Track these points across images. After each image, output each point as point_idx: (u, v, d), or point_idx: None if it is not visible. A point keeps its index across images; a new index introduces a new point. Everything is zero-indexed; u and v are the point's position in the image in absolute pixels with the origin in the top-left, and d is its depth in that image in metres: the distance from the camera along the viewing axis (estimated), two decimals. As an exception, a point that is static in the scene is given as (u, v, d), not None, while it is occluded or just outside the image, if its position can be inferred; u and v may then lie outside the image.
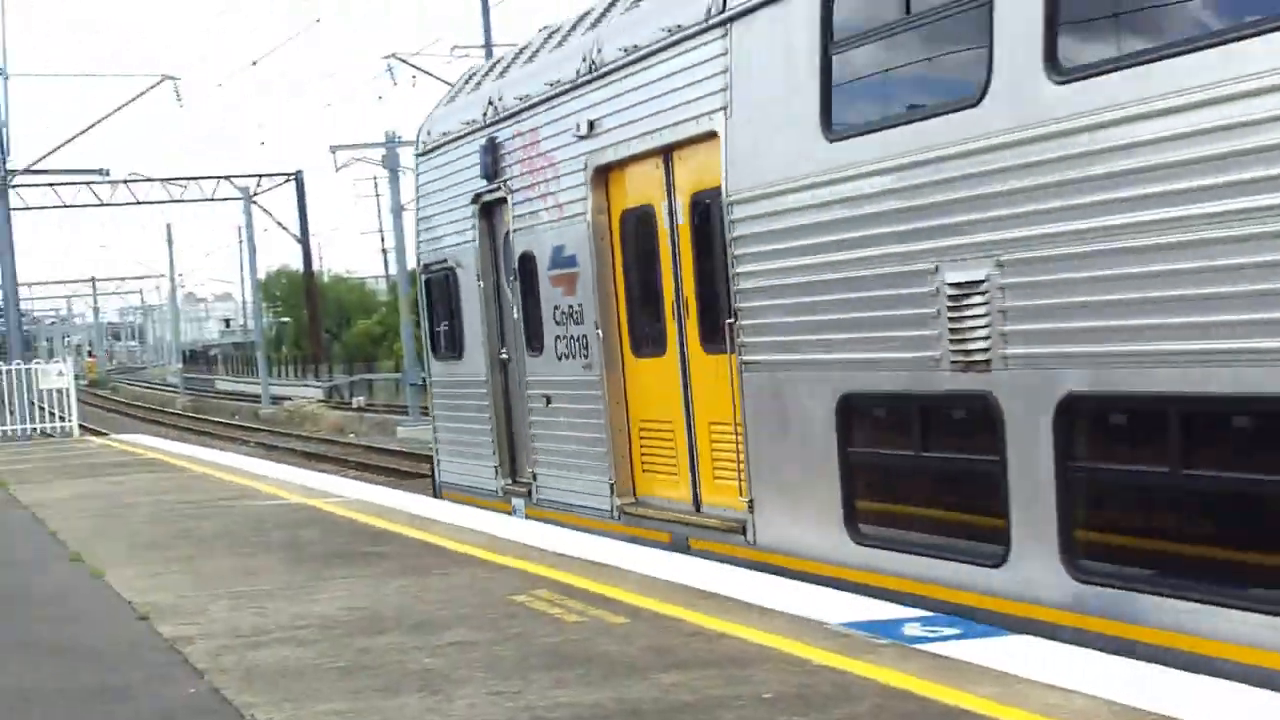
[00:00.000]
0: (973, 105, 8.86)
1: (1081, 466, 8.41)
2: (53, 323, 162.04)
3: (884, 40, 9.88)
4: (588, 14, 14.80)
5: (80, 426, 37.26)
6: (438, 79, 36.59)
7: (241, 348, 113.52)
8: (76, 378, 41.26)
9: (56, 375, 37.16)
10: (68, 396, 36.73)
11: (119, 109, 49.38)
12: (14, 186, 48.37)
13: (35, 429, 36.88)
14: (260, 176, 60.94)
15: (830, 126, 10.27)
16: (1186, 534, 8.11)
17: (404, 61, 41.28)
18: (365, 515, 14.86)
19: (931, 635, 7.93)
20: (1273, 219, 7.04)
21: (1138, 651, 7.67)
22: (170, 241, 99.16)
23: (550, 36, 15.59)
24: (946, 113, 9.17)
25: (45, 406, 38.28)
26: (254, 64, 45.76)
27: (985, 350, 8.87)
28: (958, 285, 9.03)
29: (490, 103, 15.83)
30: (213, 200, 58.93)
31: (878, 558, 10.03)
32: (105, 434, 39.40)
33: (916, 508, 10.02)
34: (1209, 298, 7.44)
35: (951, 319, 9.09)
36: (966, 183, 8.93)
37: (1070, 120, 8.12)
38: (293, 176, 62.77)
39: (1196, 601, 7.67)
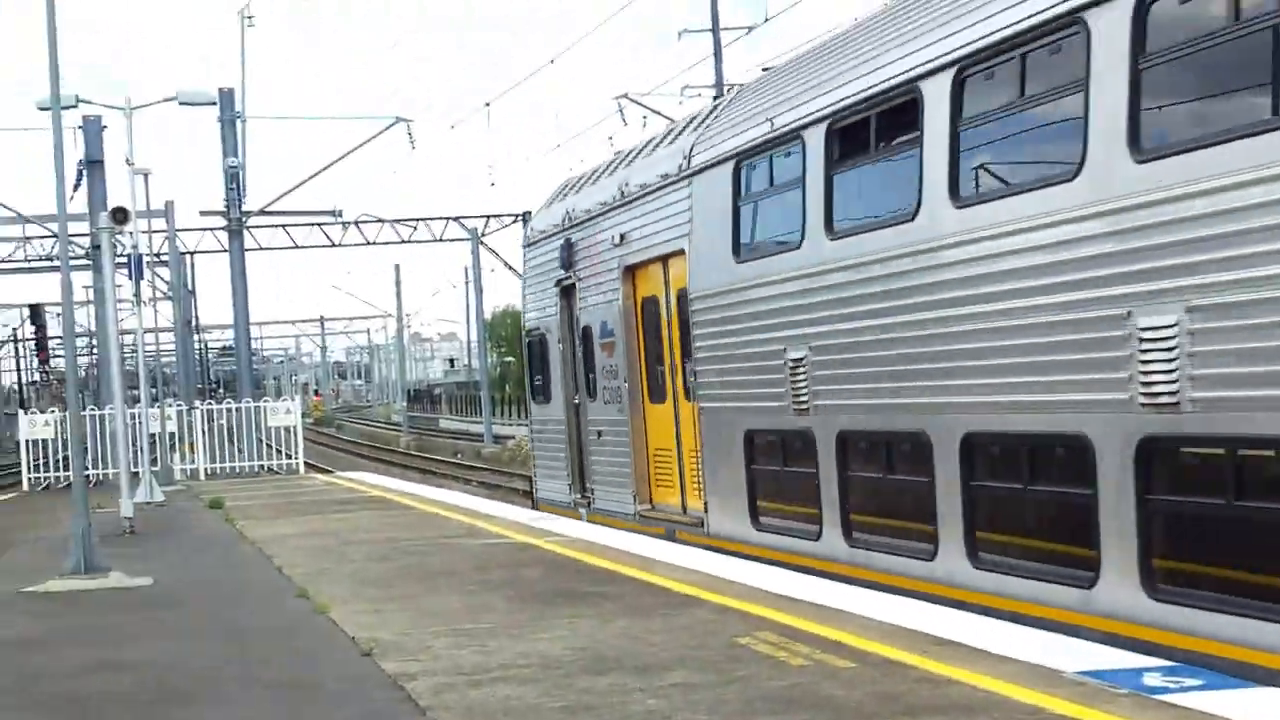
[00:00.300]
0: (795, 248, 14.66)
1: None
2: (281, 361, 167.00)
3: (765, 200, 15.80)
4: (630, 151, 20.71)
5: (306, 464, 38.37)
6: (667, 119, 36.91)
7: (465, 387, 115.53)
8: (303, 416, 42.49)
9: (284, 413, 38.36)
10: (295, 434, 37.87)
11: (352, 151, 50.73)
12: (249, 227, 50.00)
13: (263, 466, 38.10)
14: (489, 217, 62.02)
15: (738, 253, 15.85)
16: None
17: (635, 102, 41.68)
18: (587, 555, 15.07)
19: (1173, 686, 7.77)
20: None
21: None
22: (398, 281, 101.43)
23: (610, 164, 21.20)
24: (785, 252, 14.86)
25: (272, 444, 39.55)
26: (487, 105, 46.89)
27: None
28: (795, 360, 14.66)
29: (567, 213, 21.51)
30: (441, 241, 60.20)
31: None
32: (330, 471, 40.50)
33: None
34: None
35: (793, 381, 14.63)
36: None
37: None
38: (520, 217, 63.92)
39: None
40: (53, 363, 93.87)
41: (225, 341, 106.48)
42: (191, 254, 57.05)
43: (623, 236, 19.03)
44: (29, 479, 36.26)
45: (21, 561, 18.18)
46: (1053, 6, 10.43)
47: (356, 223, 56.52)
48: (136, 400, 32.60)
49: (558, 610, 11.59)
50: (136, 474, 26.81)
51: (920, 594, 11.72)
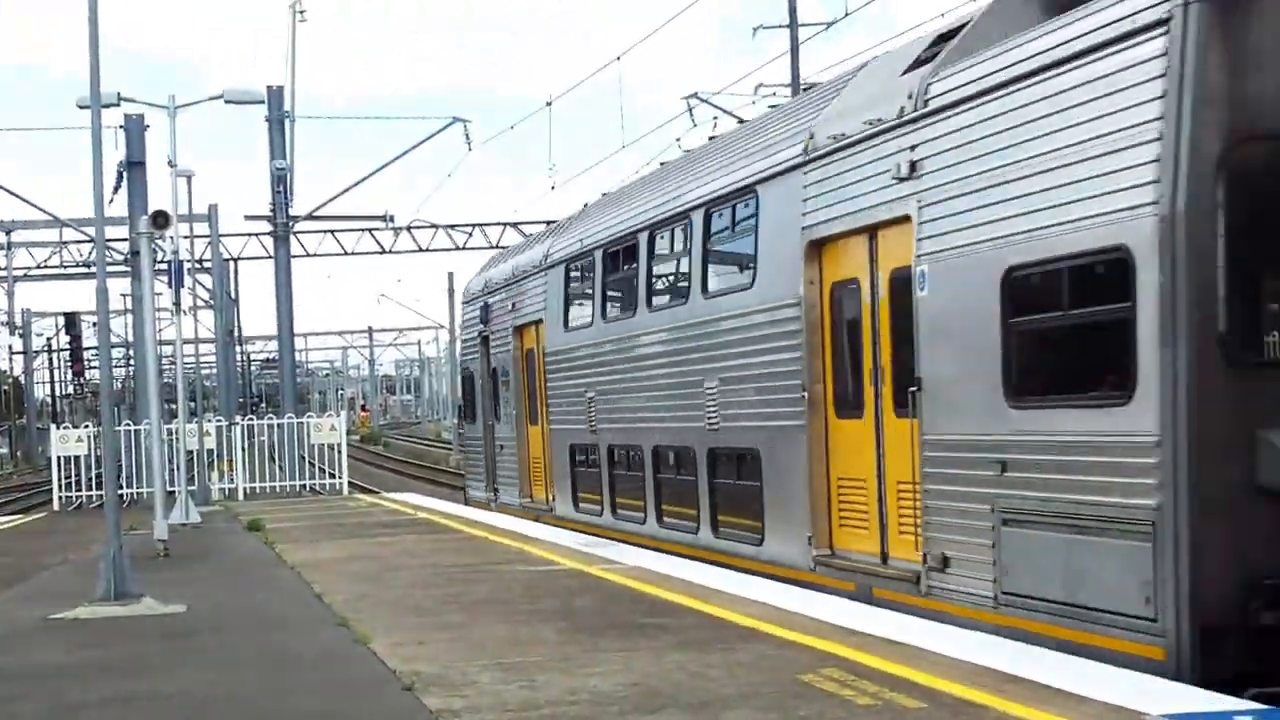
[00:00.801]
0: (589, 326, 23.27)
1: None
2: (326, 375, 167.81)
3: (577, 291, 24.02)
4: (524, 242, 31.56)
5: (350, 484, 38.45)
6: (739, 119, 36.74)
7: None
8: (348, 432, 42.61)
9: (329, 430, 38.42)
10: (339, 452, 37.93)
11: (407, 152, 50.81)
12: (296, 233, 50.22)
13: (305, 486, 38.20)
14: (549, 223, 61.94)
15: (566, 326, 23.99)
16: None
17: (704, 101, 41.51)
18: (643, 584, 15.03)
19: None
20: None
21: None
22: (451, 290, 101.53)
23: (520, 246, 30.37)
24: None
25: (315, 462, 39.65)
26: (548, 104, 46.43)
27: None
28: (589, 398, 22.86)
29: (486, 282, 29.59)
30: (497, 247, 60.28)
31: None
32: (376, 492, 40.59)
33: None
34: None
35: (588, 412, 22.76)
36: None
37: None
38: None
39: None
40: (88, 374, 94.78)
41: (268, 353, 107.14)
42: (235, 260, 57.33)
43: (514, 305, 27.02)
44: (60, 498, 36.52)
45: (50, 586, 18.32)
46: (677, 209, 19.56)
47: (409, 228, 56.68)
48: (174, 415, 32.80)
49: (610, 643, 11.56)
50: (172, 493, 26.96)
51: (635, 544, 19.54)
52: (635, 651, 11.10)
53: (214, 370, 54.51)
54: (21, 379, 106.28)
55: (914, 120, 13.32)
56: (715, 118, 40.23)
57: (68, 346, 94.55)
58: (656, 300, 20.20)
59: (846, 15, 38.23)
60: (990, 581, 11.99)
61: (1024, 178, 11.66)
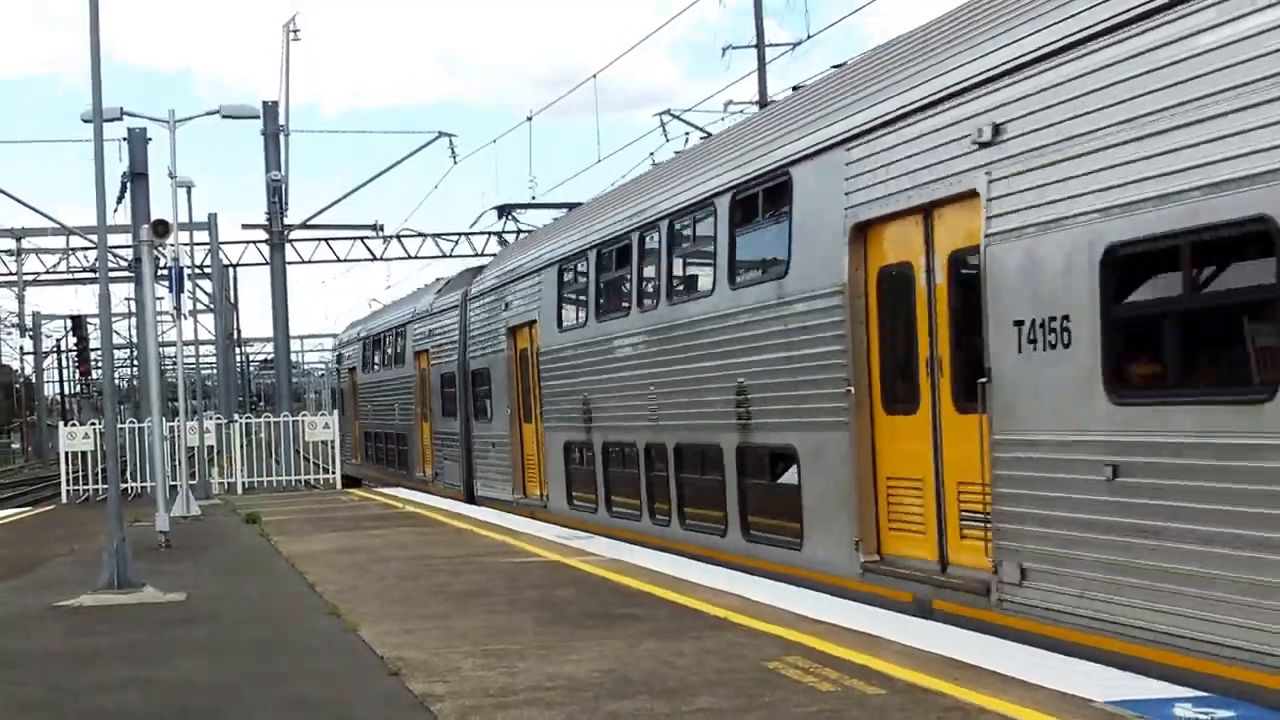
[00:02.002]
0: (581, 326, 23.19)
1: None
2: (322, 375, 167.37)
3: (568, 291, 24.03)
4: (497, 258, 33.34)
5: (343, 479, 38.45)
6: (708, 133, 36.95)
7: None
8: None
9: (323, 428, 38.44)
10: (333, 449, 37.98)
11: (394, 165, 50.84)
12: (291, 240, 50.14)
13: (299, 480, 38.21)
14: (522, 233, 61.95)
15: (560, 327, 23.96)
16: None
17: (676, 118, 41.70)
18: (619, 575, 15.02)
19: (1204, 717, 7.68)
20: None
21: None
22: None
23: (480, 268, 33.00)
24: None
25: (311, 458, 39.65)
26: (529, 119, 46.55)
27: None
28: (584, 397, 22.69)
29: (479, 286, 30.11)
30: (482, 255, 60.20)
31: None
32: (367, 486, 40.56)
33: None
34: None
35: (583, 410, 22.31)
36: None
37: None
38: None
39: None
40: (94, 375, 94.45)
41: (266, 354, 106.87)
42: (234, 266, 57.17)
43: (507, 304, 26.88)
44: (67, 491, 36.42)
45: (56, 575, 18.24)
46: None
47: (398, 236, 56.51)
48: (176, 413, 32.75)
49: (587, 631, 11.54)
50: (174, 488, 26.91)
51: (638, 542, 18.92)
52: (610, 640, 11.08)
53: (214, 371, 54.38)
54: (32, 378, 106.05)
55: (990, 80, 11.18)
56: (687, 134, 40.33)
57: (75, 348, 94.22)
58: (644, 300, 19.42)
59: (809, 38, 38.58)
60: (1077, 597, 10.19)
61: (1131, 141, 9.50)
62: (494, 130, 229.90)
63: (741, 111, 41.69)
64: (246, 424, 39.10)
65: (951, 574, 12.04)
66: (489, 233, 55.90)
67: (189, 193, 34.53)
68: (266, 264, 48.62)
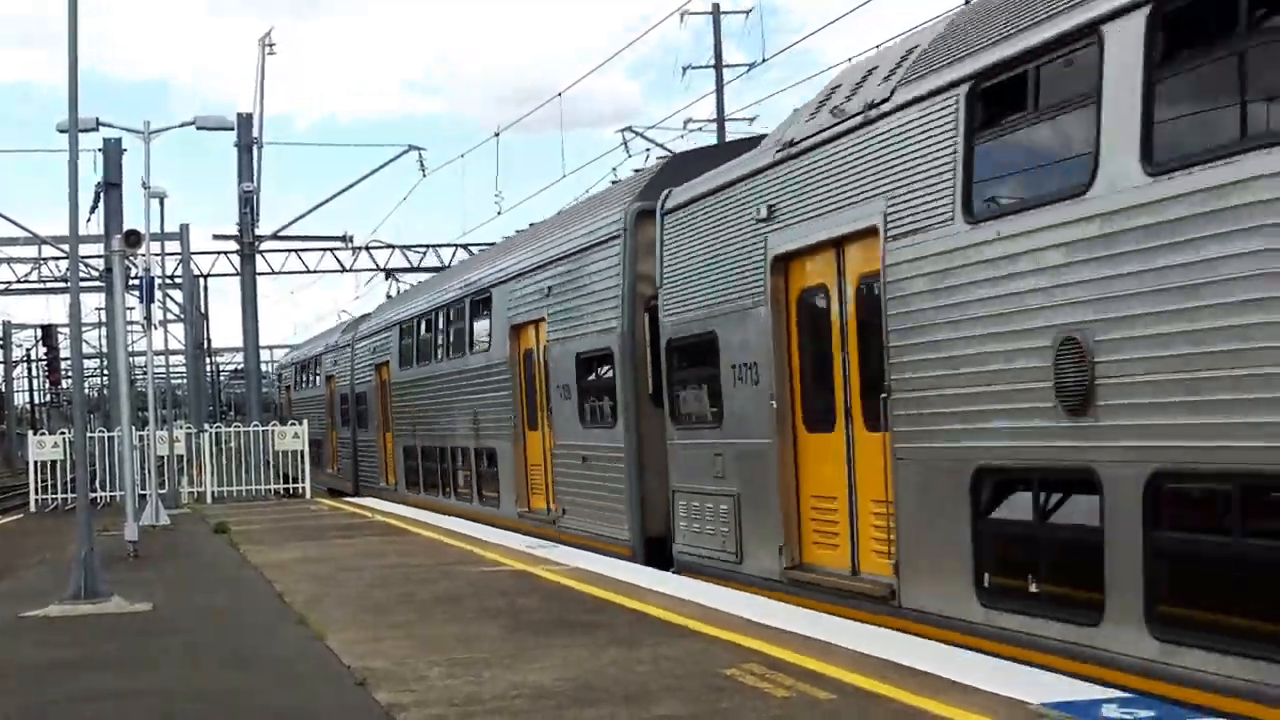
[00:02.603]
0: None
1: None
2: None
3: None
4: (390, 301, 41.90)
5: (313, 488, 38.45)
6: (671, 152, 37.36)
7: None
8: (318, 442, 42.69)
9: (292, 438, 38.43)
10: (302, 459, 37.97)
11: (364, 178, 50.90)
12: (262, 251, 50.10)
13: (269, 490, 38.19)
14: (490, 244, 61.94)
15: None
16: None
17: (639, 135, 42.16)
18: (583, 584, 15.16)
19: (1127, 717, 7.93)
20: None
21: None
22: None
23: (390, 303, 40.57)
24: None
25: (281, 468, 39.64)
26: (496, 135, 46.71)
27: None
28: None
29: (358, 332, 39.75)
30: (449, 267, 60.09)
31: None
32: (336, 496, 40.59)
33: None
34: None
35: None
36: None
37: None
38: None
39: None
40: (64, 384, 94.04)
41: (237, 364, 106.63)
42: (205, 277, 57.11)
43: (374, 348, 37.08)
44: (36, 500, 36.37)
45: (24, 585, 18.29)
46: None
47: (367, 248, 56.55)
48: (145, 422, 32.75)
49: (552, 640, 11.68)
50: (144, 497, 26.90)
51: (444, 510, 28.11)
52: (574, 648, 11.22)
53: (184, 380, 54.23)
54: (2, 387, 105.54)
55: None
56: (648, 150, 40.76)
57: (45, 357, 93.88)
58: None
59: (764, 60, 39.41)
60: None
61: None
62: (462, 144, 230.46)
63: (700, 129, 42.39)
64: (216, 433, 39.07)
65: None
66: (455, 245, 56.08)
67: (161, 203, 34.57)
68: (237, 274, 48.63)
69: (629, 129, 41.79)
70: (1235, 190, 8.39)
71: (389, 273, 50.78)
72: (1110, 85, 9.60)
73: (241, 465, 38.63)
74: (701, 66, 46.43)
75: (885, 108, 12.50)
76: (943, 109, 11.60)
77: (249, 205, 45.90)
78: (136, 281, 29.75)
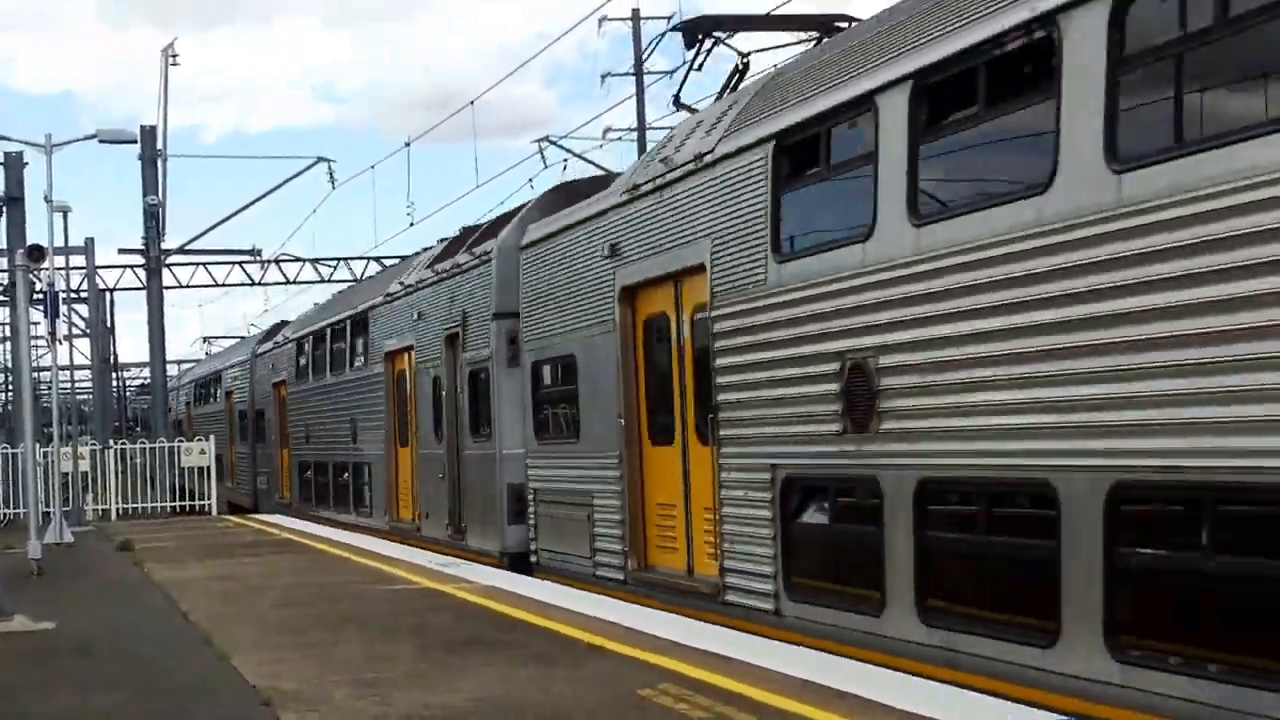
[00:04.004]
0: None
1: None
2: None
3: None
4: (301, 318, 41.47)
5: (219, 505, 37.96)
6: (589, 161, 37.18)
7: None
8: (219, 457, 42.10)
9: (199, 454, 37.90)
10: (209, 475, 37.47)
11: (273, 190, 50.35)
12: (169, 265, 49.46)
13: (176, 507, 37.63)
14: (408, 258, 61.59)
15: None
16: None
17: (555, 144, 41.86)
18: (496, 602, 14.92)
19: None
20: None
21: None
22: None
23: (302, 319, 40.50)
24: None
25: (188, 484, 39.06)
26: (407, 145, 46.30)
27: None
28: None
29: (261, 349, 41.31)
30: (361, 280, 59.66)
31: None
32: (243, 513, 40.09)
33: None
34: None
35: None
36: None
37: None
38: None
39: None
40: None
41: (144, 379, 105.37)
42: (111, 291, 56.36)
43: (274, 366, 39.16)
44: (-63, 517, 35.60)
45: (-77, 603, 17.78)
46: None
47: (276, 261, 56.05)
48: (50, 439, 32.13)
49: (464, 659, 11.45)
50: (47, 514, 26.42)
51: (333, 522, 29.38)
52: (486, 668, 10.99)
53: (91, 396, 53.54)
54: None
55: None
56: (565, 160, 40.48)
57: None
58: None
59: (684, 65, 39.41)
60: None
61: None
62: (373, 154, 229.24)
63: (620, 139, 42.09)
64: (122, 450, 38.46)
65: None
66: (367, 258, 55.70)
67: (65, 217, 34.06)
68: (144, 288, 47.96)
69: (546, 139, 41.50)
70: (983, 247, 10.06)
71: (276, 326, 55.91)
72: (884, 149, 11.19)
73: (147, 482, 38.07)
74: (621, 74, 46.25)
75: (709, 159, 14.03)
76: (754, 161, 13.19)
77: (154, 219, 45.24)
78: (41, 296, 29.23)
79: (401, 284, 26.44)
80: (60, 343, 32.50)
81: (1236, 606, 8.09)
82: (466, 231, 25.08)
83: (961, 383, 10.33)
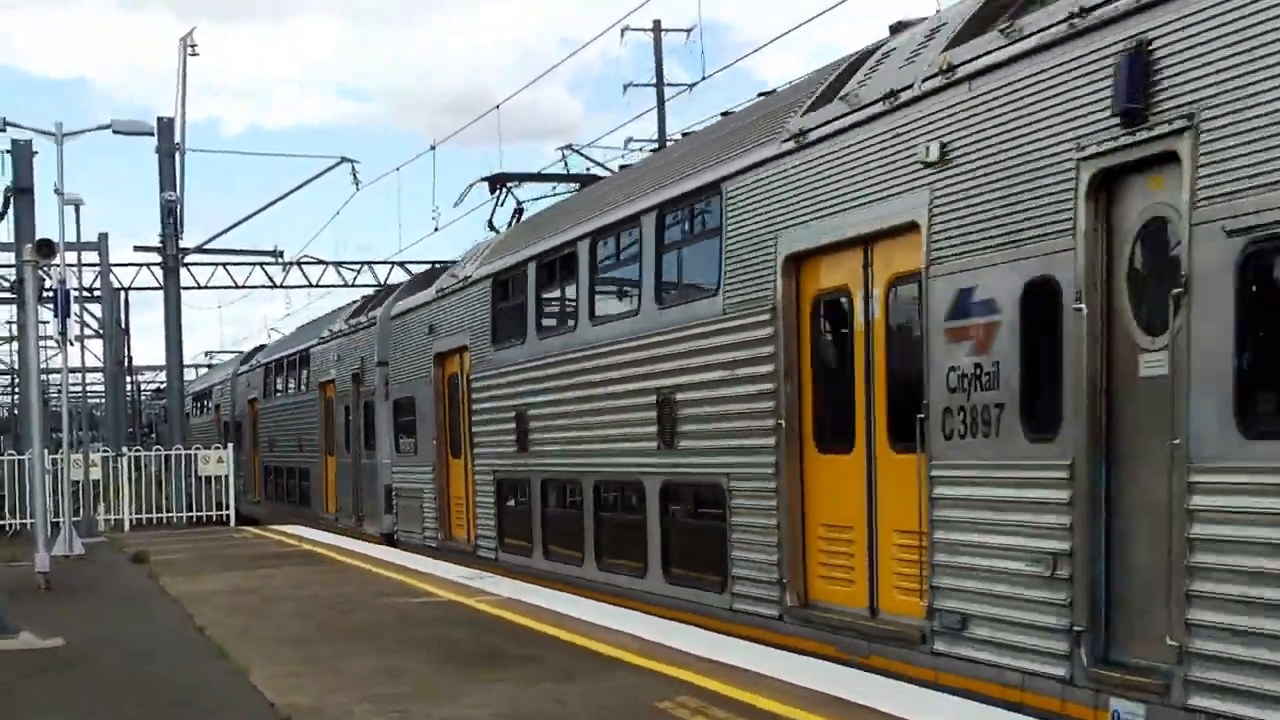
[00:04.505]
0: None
1: None
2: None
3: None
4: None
5: (238, 515, 38.26)
6: (609, 170, 37.74)
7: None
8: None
9: (216, 462, 38.22)
10: (227, 484, 37.81)
11: (295, 189, 50.69)
12: (187, 264, 49.92)
13: (192, 517, 37.93)
14: (434, 263, 61.82)
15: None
16: None
17: (578, 152, 42.46)
18: (516, 615, 15.42)
19: None
20: None
21: None
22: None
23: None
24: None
25: (204, 494, 39.40)
26: (433, 148, 46.87)
27: None
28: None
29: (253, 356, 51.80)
30: (384, 285, 59.86)
31: None
32: (261, 524, 40.49)
33: None
34: None
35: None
36: None
37: None
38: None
39: None
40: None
41: (160, 383, 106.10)
42: (125, 290, 56.78)
43: (249, 383, 49.96)
44: (-60, 528, 36.06)
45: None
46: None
47: (298, 263, 56.38)
48: (60, 445, 32.42)
49: (481, 673, 11.91)
50: (56, 524, 26.70)
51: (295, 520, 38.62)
52: (505, 681, 11.46)
53: (103, 400, 53.93)
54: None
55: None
56: (588, 168, 41.22)
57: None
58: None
59: (705, 78, 40.62)
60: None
61: None
62: (394, 154, 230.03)
63: (641, 149, 43.16)
64: (136, 457, 38.82)
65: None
66: (391, 262, 56.20)
67: (77, 211, 34.46)
68: (160, 288, 48.34)
69: (569, 147, 42.25)
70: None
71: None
72: (530, 295, 21.69)
73: (162, 491, 38.36)
74: (643, 85, 47.54)
75: (470, 279, 24.42)
76: (484, 286, 23.56)
77: (172, 215, 45.57)
78: (51, 294, 29.70)
79: (330, 331, 37.68)
80: (71, 343, 32.84)
81: (687, 546, 16.21)
82: (374, 294, 37.94)
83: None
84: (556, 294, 21.30)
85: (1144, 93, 9.37)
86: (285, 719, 10.40)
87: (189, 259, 49.81)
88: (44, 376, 41.84)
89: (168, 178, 44.88)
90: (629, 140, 44.69)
